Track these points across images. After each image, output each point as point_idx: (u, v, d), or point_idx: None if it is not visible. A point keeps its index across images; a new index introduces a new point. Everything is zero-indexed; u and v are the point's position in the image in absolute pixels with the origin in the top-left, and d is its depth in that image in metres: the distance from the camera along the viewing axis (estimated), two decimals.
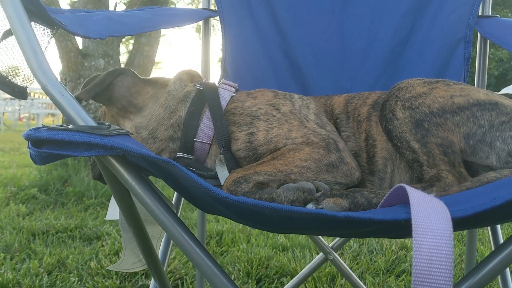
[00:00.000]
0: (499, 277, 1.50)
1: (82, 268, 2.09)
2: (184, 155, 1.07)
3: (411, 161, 0.97)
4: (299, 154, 0.94)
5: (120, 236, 2.44)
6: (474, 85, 1.61)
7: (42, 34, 0.90)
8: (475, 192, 0.78)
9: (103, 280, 1.96)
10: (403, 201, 0.64)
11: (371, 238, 2.49)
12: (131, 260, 1.18)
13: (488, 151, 0.93)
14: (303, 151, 0.95)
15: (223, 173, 1.00)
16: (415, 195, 0.56)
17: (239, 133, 1.03)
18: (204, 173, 1.03)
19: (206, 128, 1.06)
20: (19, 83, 0.90)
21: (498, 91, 7.88)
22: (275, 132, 1.01)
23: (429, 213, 0.51)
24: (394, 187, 0.65)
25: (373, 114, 1.13)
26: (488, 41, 1.60)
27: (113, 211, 1.15)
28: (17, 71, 0.90)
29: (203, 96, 1.11)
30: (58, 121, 13.76)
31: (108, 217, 1.16)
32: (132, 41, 7.03)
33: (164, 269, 1.23)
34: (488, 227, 1.46)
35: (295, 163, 0.92)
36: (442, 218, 0.51)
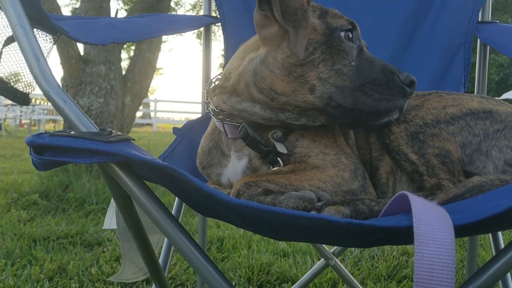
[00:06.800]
0: (500, 282, 1.49)
1: (83, 274, 2.08)
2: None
3: (410, 172, 0.97)
4: (320, 175, 0.93)
5: None
6: (474, 90, 1.62)
7: (45, 40, 0.91)
8: (477, 199, 0.78)
9: (104, 286, 1.96)
10: (405, 209, 0.64)
11: None
12: (131, 270, 1.18)
13: (485, 160, 0.93)
14: (326, 172, 0.94)
15: (279, 145, 1.00)
16: (417, 202, 0.56)
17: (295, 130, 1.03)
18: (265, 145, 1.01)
19: None
20: (21, 89, 0.90)
21: (498, 97, 7.88)
22: (315, 145, 1.01)
23: (431, 221, 0.51)
24: (396, 195, 0.65)
25: None
26: (488, 47, 1.60)
27: (110, 220, 1.14)
28: (18, 77, 0.90)
29: None
30: (59, 127, 13.78)
31: (105, 227, 1.16)
32: (133, 47, 7.05)
33: (165, 275, 1.23)
34: None
35: (311, 181, 0.91)
36: (444, 225, 0.51)
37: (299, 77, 0.94)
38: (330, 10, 1.02)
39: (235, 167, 1.06)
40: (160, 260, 1.33)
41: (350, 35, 0.98)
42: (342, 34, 0.97)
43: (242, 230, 2.79)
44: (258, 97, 0.99)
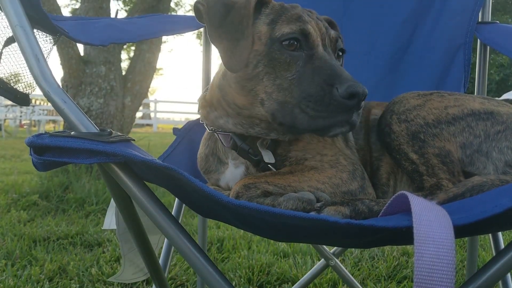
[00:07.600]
0: (500, 282, 1.49)
1: (83, 274, 2.08)
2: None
3: (411, 172, 0.97)
4: (319, 176, 0.93)
5: None
6: (474, 90, 1.62)
7: (45, 41, 0.91)
8: (476, 199, 0.78)
9: (104, 287, 1.96)
10: (405, 209, 0.64)
11: None
12: (131, 271, 1.18)
13: (485, 161, 0.93)
14: (324, 173, 0.94)
15: (267, 154, 0.99)
16: (416, 202, 0.56)
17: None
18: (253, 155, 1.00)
19: None
20: (21, 90, 0.91)
21: (499, 97, 7.88)
22: (311, 147, 1.01)
23: (430, 221, 0.51)
24: (395, 195, 0.65)
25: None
26: (488, 47, 1.60)
27: (110, 221, 1.14)
28: (19, 78, 0.90)
29: None
30: (59, 127, 13.77)
31: (105, 227, 1.16)
32: (133, 48, 7.05)
33: (165, 275, 1.23)
34: None
35: (310, 182, 0.91)
36: (444, 226, 0.51)
37: (250, 91, 0.92)
38: (288, 12, 0.94)
39: (233, 174, 1.06)
40: (160, 261, 1.33)
41: (296, 43, 0.90)
42: (286, 43, 0.90)
43: (242, 230, 2.79)
44: (228, 111, 0.99)
